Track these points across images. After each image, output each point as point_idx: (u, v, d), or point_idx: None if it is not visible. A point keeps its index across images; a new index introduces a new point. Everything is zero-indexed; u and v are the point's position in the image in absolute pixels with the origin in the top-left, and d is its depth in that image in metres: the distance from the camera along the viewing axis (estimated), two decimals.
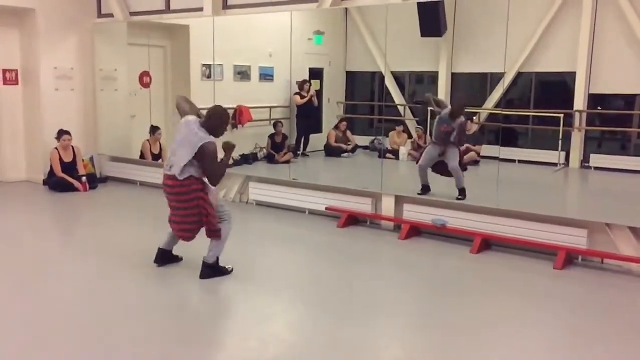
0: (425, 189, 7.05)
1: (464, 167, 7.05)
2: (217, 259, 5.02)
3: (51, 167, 8.75)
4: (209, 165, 4.68)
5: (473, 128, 9.92)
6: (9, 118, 9.28)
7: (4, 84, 9.18)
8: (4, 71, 9.17)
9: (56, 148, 8.72)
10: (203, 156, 4.64)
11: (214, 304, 4.78)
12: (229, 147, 4.85)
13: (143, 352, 3.72)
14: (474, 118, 10.04)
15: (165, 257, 5.26)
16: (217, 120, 4.77)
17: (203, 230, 4.93)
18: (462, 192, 6.76)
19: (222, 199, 8.04)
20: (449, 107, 7.19)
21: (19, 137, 9.43)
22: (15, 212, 7.66)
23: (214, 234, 4.87)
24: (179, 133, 4.81)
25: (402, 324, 4.33)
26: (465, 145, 8.74)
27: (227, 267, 5.10)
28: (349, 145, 10.75)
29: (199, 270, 5.00)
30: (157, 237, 5.35)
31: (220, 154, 4.83)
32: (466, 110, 7.31)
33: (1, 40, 9.08)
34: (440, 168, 7.08)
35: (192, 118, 4.82)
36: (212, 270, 5.00)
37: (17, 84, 9.31)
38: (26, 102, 9.35)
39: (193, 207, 4.78)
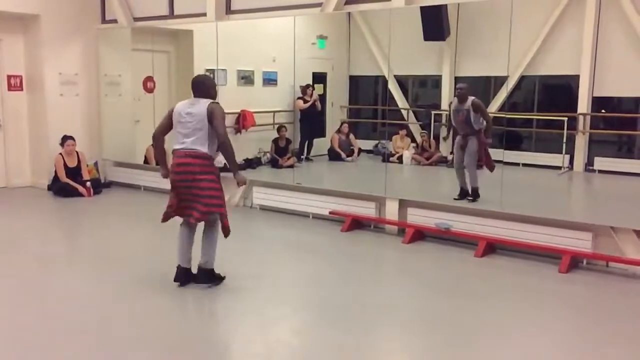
0: (463, 193, 6.98)
1: (490, 166, 6.94)
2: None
3: (55, 172, 8.77)
4: (220, 124, 4.52)
5: None
6: (13, 123, 9.31)
7: (9, 89, 9.21)
8: (9, 77, 9.20)
9: (60, 153, 8.75)
10: (213, 116, 4.50)
11: (218, 307, 4.77)
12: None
13: (146, 356, 3.72)
14: None
15: (188, 276, 4.85)
16: (206, 88, 4.70)
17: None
18: (474, 192, 6.69)
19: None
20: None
21: (24, 143, 9.46)
22: (20, 217, 7.67)
23: (225, 228, 4.73)
24: (181, 118, 4.59)
25: (406, 328, 4.32)
26: None
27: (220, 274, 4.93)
28: (351, 148, 10.74)
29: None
30: (160, 242, 5.35)
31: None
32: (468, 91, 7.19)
33: (6, 46, 9.12)
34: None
35: (181, 104, 4.68)
36: (211, 276, 4.84)
37: (22, 89, 9.34)
38: (31, 108, 9.38)
39: (211, 187, 4.58)
